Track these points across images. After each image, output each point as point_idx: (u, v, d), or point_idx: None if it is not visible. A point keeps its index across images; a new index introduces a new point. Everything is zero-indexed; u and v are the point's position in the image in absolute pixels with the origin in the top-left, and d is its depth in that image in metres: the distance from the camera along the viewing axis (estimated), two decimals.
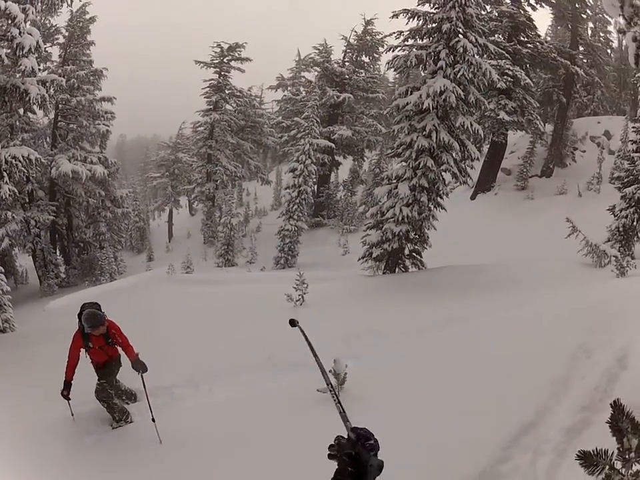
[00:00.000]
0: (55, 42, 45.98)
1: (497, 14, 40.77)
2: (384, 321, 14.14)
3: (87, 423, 9.90)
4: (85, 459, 8.72)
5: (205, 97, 58.05)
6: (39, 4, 20.27)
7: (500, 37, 41.39)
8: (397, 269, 23.12)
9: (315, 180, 44.42)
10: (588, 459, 3.77)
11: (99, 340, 9.49)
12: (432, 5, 22.07)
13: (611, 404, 3.90)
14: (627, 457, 3.75)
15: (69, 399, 9.46)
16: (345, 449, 2.62)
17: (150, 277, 33.33)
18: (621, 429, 3.79)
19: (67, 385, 9.38)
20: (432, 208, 22.27)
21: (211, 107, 57.23)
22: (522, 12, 42.02)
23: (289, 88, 64.83)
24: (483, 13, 26.61)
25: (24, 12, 19.10)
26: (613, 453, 3.75)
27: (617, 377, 8.33)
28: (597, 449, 3.76)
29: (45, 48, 23.42)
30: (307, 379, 9.52)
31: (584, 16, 46.64)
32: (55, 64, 45.52)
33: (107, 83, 46.57)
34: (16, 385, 12.73)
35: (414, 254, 23.06)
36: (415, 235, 22.38)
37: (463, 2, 21.16)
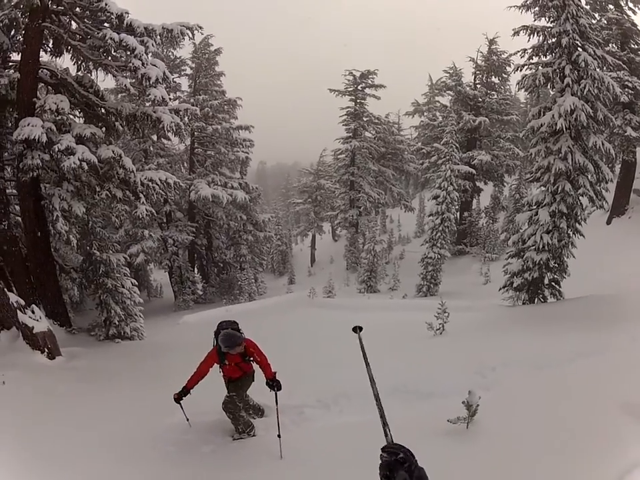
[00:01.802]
0: (183, 73, 48.83)
1: (605, 22, 39.07)
2: (520, 353, 13.69)
3: (206, 432, 10.08)
4: (200, 466, 8.84)
5: (343, 125, 59.04)
6: (158, 37, 20.86)
7: (613, 45, 39.40)
8: (536, 299, 22.52)
9: (457, 207, 43.87)
10: None
11: (236, 358, 9.59)
12: (547, 19, 21.70)
13: None
14: None
15: (180, 403, 9.68)
16: (381, 470, 2.91)
17: (291, 299, 33.69)
18: None
19: (184, 391, 9.58)
20: (571, 235, 21.66)
21: (350, 134, 58.16)
22: (625, 17, 39.62)
23: (425, 113, 64.93)
24: (593, 22, 25.87)
25: (143, 44, 19.79)
26: None
27: None
28: None
29: (173, 79, 24.14)
30: (438, 408, 9.62)
31: None
32: (186, 94, 48.12)
33: (246, 112, 48.02)
34: (138, 390, 13.41)
35: (553, 283, 22.39)
36: (555, 263, 21.78)
37: (574, 13, 20.79)
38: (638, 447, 7.29)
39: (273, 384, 9.37)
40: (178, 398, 9.58)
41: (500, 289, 23.46)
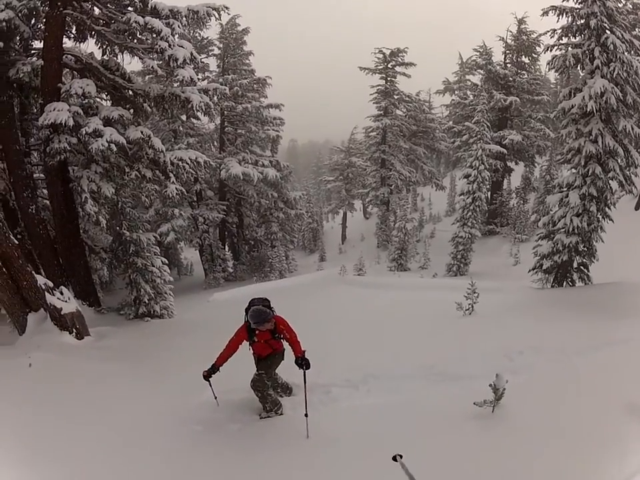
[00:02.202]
0: (211, 53, 48.55)
1: (631, 6, 38.64)
2: (548, 337, 13.64)
3: (234, 410, 10.15)
4: (225, 445, 8.92)
5: (374, 103, 58.88)
6: (184, 19, 20.85)
7: (639, 31, 38.94)
8: (564, 283, 22.47)
9: (488, 187, 43.72)
10: None
11: (265, 335, 9.64)
12: (575, 1, 21.41)
13: None
14: None
15: (209, 380, 9.73)
16: None
17: (322, 276, 33.79)
18: None
19: (214, 369, 9.61)
20: (600, 219, 21.51)
21: (381, 112, 58.03)
22: None
23: (455, 92, 64.44)
24: (620, 5, 25.68)
25: (169, 26, 19.80)
26: None
27: None
28: None
29: (201, 59, 24.15)
30: (465, 391, 9.68)
31: None
32: (215, 74, 47.96)
33: (277, 91, 48.06)
34: (168, 368, 13.57)
35: (582, 267, 22.30)
36: (584, 247, 21.67)
37: None
38: None
39: (302, 362, 9.39)
40: (207, 375, 9.62)
41: (529, 271, 23.40)
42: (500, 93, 51.15)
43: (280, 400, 10.20)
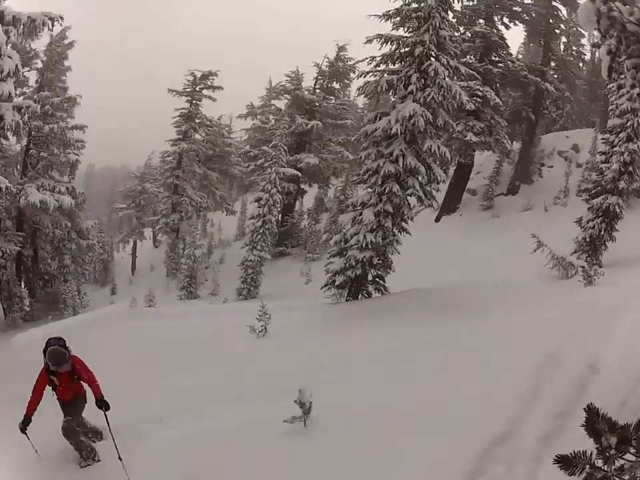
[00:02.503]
0: (33, 66, 45.68)
1: (470, 35, 41.67)
2: (348, 348, 14.16)
3: (54, 462, 9.64)
4: None
5: (175, 126, 57.83)
6: (21, 26, 19.87)
7: (472, 57, 42.47)
8: (360, 295, 23.20)
9: (279, 209, 44.46)
10: (566, 462, 3.93)
11: (65, 377, 9.31)
12: (406, 29, 22.49)
13: (584, 408, 4.10)
14: (607, 454, 3.89)
15: (25, 433, 9.20)
16: None
17: (112, 311, 32.89)
18: (597, 430, 3.97)
19: (26, 420, 9.15)
20: (396, 233, 22.55)
21: (181, 136, 57.05)
22: (495, 31, 43.06)
23: (258, 116, 64.77)
24: (456, 34, 27.01)
25: (6, 34, 18.84)
26: (591, 453, 3.93)
27: (589, 382, 8.47)
28: (574, 451, 3.95)
29: (23, 72, 23.04)
30: (273, 410, 9.54)
31: (557, 31, 48.14)
32: (31, 89, 45.22)
33: (87, 111, 46.15)
34: None
35: (377, 279, 23.23)
36: (379, 260, 22.70)
37: (437, 24, 21.67)
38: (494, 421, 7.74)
39: (101, 404, 9.15)
40: (23, 428, 9.12)
41: (322, 288, 23.90)
42: (303, 118, 51.96)
43: (93, 445, 9.79)
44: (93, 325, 26.56)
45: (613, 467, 3.91)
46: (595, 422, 3.93)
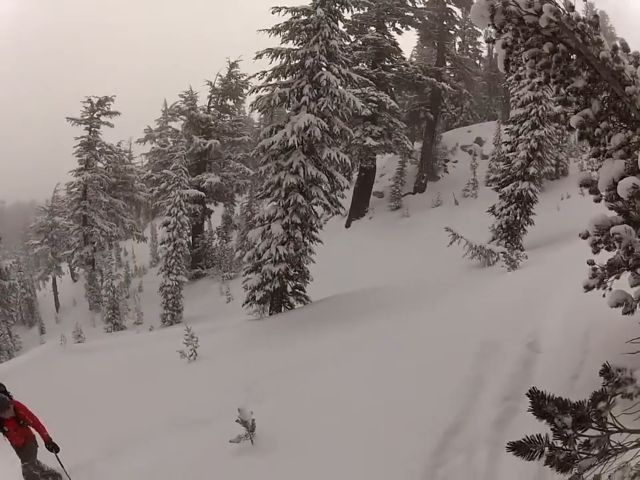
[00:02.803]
0: None
1: (361, 42, 42.35)
2: (280, 361, 14.18)
3: None
4: None
5: (76, 156, 56.64)
6: None
7: (364, 64, 43.17)
8: (282, 308, 23.23)
9: (189, 231, 44.23)
10: (521, 448, 3.91)
11: (11, 422, 9.28)
12: (296, 42, 22.70)
13: (527, 394, 4.05)
14: (565, 434, 3.90)
15: None
16: None
17: (45, 351, 32.34)
18: (546, 412, 3.94)
19: None
20: (308, 243, 22.71)
21: (83, 165, 55.88)
22: (387, 38, 43.99)
23: (156, 140, 64.24)
24: (347, 43, 27.33)
25: None
26: (547, 435, 3.89)
27: (532, 362, 8.45)
28: (527, 436, 3.92)
29: None
30: (218, 432, 9.61)
31: (452, 32, 49.64)
32: None
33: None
34: None
35: (297, 290, 23.35)
36: (295, 271, 22.79)
37: (327, 35, 21.90)
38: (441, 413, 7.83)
39: (51, 446, 9.18)
40: None
41: (243, 305, 23.88)
42: (200, 137, 51.80)
43: None
44: (29, 367, 26.16)
45: (578, 445, 3.95)
46: (542, 405, 3.94)
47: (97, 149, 57.08)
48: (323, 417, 9.19)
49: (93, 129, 56.42)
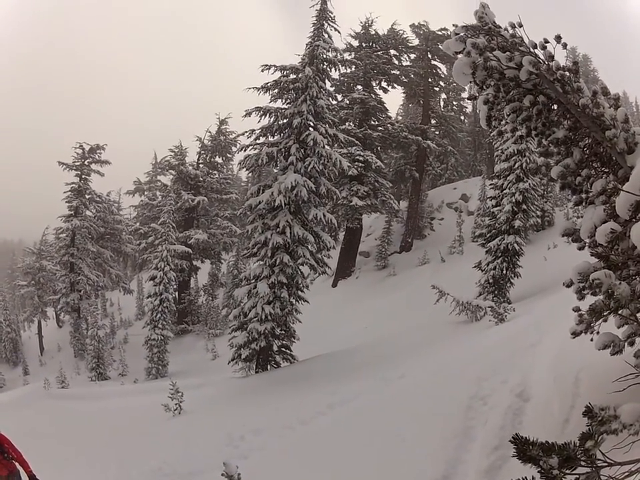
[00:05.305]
0: None
1: (348, 102, 43.02)
2: (265, 418, 14.23)
3: None
4: None
5: (66, 202, 56.52)
6: None
7: (351, 124, 43.94)
8: (268, 366, 23.25)
9: (175, 287, 43.99)
10: None
11: None
12: (284, 101, 23.08)
13: (510, 440, 4.18)
14: (551, 475, 4.02)
15: None
16: None
17: (29, 391, 32.19)
18: (531, 456, 4.06)
19: None
20: (294, 302, 22.84)
21: (72, 212, 55.81)
22: (373, 96, 44.89)
23: (145, 192, 64.40)
24: (334, 102, 27.67)
25: None
26: (532, 477, 4.02)
27: (521, 411, 8.64)
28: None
29: None
30: None
31: (437, 89, 50.37)
32: None
33: None
34: None
35: (283, 349, 23.42)
36: (281, 330, 22.88)
37: (315, 94, 22.30)
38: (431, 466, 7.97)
39: None
40: None
41: (229, 362, 23.85)
42: (189, 193, 52.04)
43: None
44: (10, 405, 26.07)
45: None
46: (527, 449, 4.03)
47: (87, 196, 56.95)
48: (310, 473, 9.34)
49: (83, 176, 56.39)
